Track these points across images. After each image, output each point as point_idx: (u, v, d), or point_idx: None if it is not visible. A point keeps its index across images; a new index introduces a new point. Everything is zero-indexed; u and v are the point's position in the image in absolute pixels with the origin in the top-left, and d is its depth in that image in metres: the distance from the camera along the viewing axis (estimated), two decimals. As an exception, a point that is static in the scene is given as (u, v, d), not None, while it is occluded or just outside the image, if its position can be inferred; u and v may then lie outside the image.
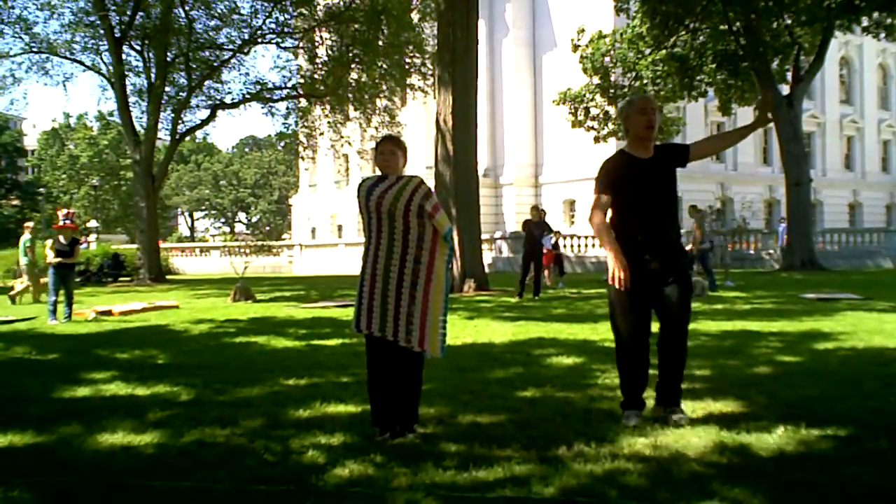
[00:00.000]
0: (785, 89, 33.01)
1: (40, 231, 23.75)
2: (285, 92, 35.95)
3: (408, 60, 33.32)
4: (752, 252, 36.46)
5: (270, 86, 36.06)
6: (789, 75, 33.46)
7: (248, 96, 35.50)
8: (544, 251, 21.24)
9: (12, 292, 21.10)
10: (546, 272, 22.37)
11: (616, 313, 5.49)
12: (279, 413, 5.92)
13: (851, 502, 3.77)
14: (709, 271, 20.24)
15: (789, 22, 31.49)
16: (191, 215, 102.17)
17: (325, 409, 6.02)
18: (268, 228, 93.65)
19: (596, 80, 35.27)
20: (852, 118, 62.90)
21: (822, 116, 60.57)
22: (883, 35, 30.66)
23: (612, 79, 35.07)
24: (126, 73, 33.91)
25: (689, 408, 5.79)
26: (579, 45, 35.69)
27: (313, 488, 4.13)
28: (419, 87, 34.58)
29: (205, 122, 36.48)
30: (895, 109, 65.82)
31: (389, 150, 5.22)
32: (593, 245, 39.04)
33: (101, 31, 32.79)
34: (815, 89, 57.01)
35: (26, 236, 21.35)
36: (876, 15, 29.34)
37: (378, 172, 5.27)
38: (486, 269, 22.95)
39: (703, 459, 4.50)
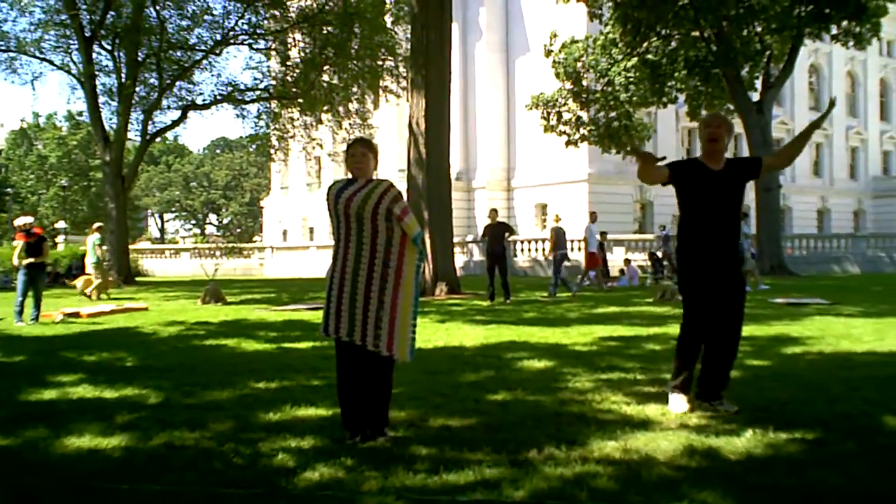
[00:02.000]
0: (755, 96, 33.36)
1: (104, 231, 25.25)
2: (257, 93, 35.78)
3: (380, 63, 33.27)
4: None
5: (242, 87, 35.90)
6: (759, 82, 33.83)
7: (219, 97, 35.31)
8: (589, 254, 21.60)
9: (88, 290, 21.90)
10: (594, 273, 22.67)
11: (691, 304, 5.78)
12: (249, 416, 5.88)
13: (818, 505, 3.80)
14: (559, 278, 20.55)
15: (759, 29, 31.86)
16: (161, 217, 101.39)
17: (295, 412, 5.99)
18: (239, 230, 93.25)
19: (568, 84, 35.48)
20: (821, 125, 63.56)
21: (792, 123, 61.24)
22: (851, 43, 31.06)
23: (585, 84, 35.29)
24: (96, 72, 33.64)
25: (659, 411, 5.83)
26: (552, 50, 35.89)
27: (283, 492, 4.11)
28: (391, 90, 34.56)
29: (176, 123, 36.24)
30: (863, 117, 66.72)
31: (361, 152, 5.19)
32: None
33: (72, 30, 32.50)
34: (785, 96, 57.70)
35: (95, 236, 22.34)
36: (845, 24, 29.73)
37: (349, 175, 5.24)
38: (458, 273, 22.97)
39: (672, 463, 4.52)
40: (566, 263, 21.38)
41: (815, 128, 6.04)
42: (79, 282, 22.73)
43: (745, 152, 43.41)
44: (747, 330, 11.26)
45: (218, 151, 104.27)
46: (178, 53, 34.48)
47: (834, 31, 30.42)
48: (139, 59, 33.11)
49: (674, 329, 11.45)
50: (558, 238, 20.86)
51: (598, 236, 23.38)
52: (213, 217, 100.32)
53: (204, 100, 36.03)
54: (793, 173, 60.89)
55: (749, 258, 22.24)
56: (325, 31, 32.54)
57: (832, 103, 6.29)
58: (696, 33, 31.74)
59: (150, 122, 34.69)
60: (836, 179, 64.76)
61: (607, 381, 7.12)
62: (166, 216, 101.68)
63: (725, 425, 5.36)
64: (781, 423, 5.37)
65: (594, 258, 22.91)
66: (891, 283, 25.11)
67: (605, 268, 24.54)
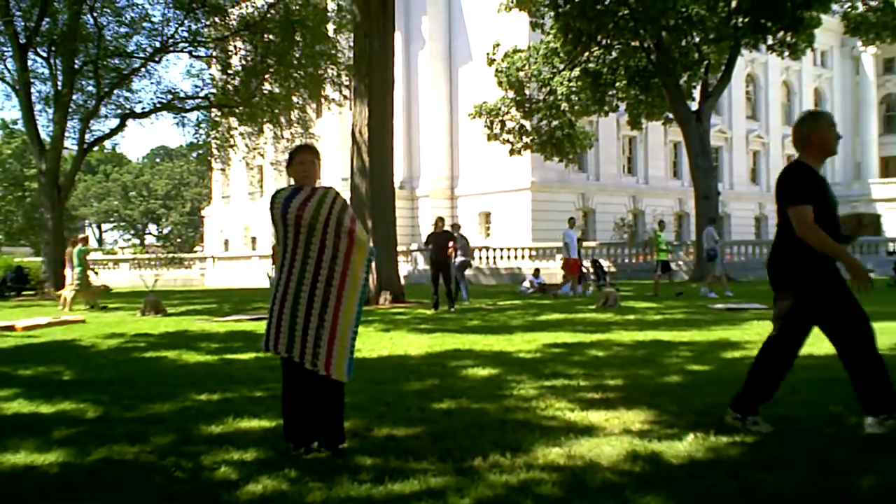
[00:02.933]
0: (694, 105, 33.96)
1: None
2: (197, 102, 35.32)
3: (322, 72, 33.13)
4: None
5: (182, 95, 35.41)
6: (698, 91, 34.47)
7: (158, 106, 34.75)
8: (570, 260, 21.66)
9: (63, 302, 21.96)
10: (578, 281, 22.68)
11: (853, 320, 5.40)
12: (191, 429, 5.79)
13: (758, 507, 3.86)
14: (458, 285, 20.83)
15: (698, 40, 32.46)
16: (99, 227, 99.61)
17: (237, 424, 5.91)
18: (179, 240, 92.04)
19: (511, 93, 35.79)
20: (758, 133, 65.05)
21: (730, 132, 62.46)
22: (787, 53, 31.77)
23: (528, 93, 35.62)
24: (32, 80, 32.89)
25: (603, 417, 5.87)
26: (495, 59, 36.16)
27: (226, 505, 4.05)
28: (334, 99, 34.44)
29: (114, 132, 35.56)
30: (798, 126, 68.16)
31: (309, 160, 5.10)
32: (507, 257, 39.42)
33: (6, 37, 31.78)
34: (723, 105, 58.80)
35: (80, 247, 22.83)
36: (780, 34, 30.41)
37: (293, 183, 5.16)
38: (402, 282, 22.94)
39: (616, 468, 4.55)
40: (468, 271, 21.72)
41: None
42: (65, 291, 22.70)
43: (684, 160, 44.15)
44: (687, 335, 11.47)
45: (158, 160, 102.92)
46: (116, 61, 33.86)
47: (770, 41, 31.09)
48: (76, 66, 32.46)
49: (616, 335, 11.59)
50: (462, 246, 21.24)
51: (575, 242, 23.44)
52: (152, 227, 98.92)
53: (143, 108, 35.45)
54: (731, 181, 62.08)
55: (717, 261, 22.87)
56: (266, 39, 32.30)
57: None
58: (636, 43, 32.22)
59: (87, 131, 33.99)
60: (772, 186, 65.64)
61: (551, 388, 7.16)
62: (105, 226, 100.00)
63: (667, 430, 5.42)
64: (722, 426, 5.44)
65: (575, 264, 22.91)
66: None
67: (581, 274, 24.58)
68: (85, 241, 23.97)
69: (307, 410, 4.97)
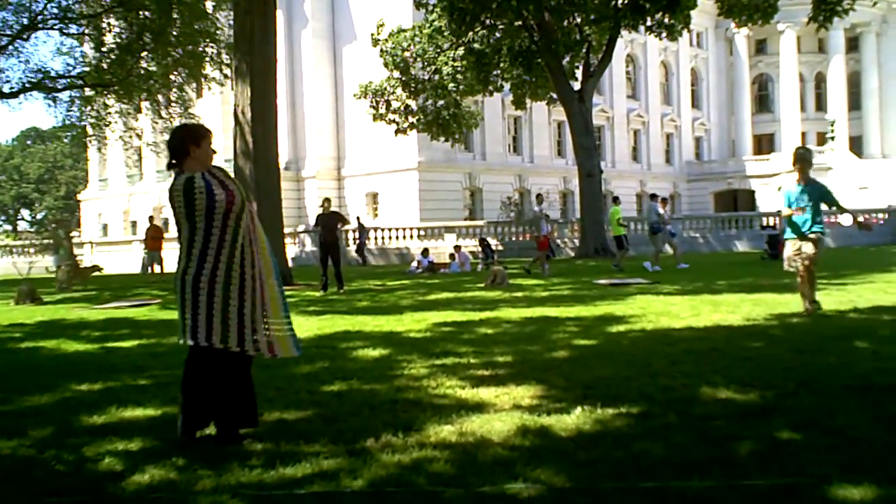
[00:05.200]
0: (576, 85, 34.56)
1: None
2: (69, 81, 33.88)
3: (202, 50, 32.23)
4: (548, 241, 37.83)
5: (53, 74, 33.91)
6: (580, 72, 35.09)
7: (28, 85, 33.21)
8: (540, 238, 21.41)
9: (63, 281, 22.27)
10: (546, 258, 22.43)
11: None
12: (72, 420, 5.59)
13: (644, 475, 3.97)
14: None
15: (579, 20, 33.02)
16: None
17: (121, 413, 5.73)
18: (54, 226, 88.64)
19: (396, 73, 35.69)
20: (638, 112, 66.74)
21: (611, 111, 63.86)
22: (664, 34, 32.61)
23: (413, 73, 35.57)
24: None
25: (493, 393, 5.93)
26: (379, 39, 35.95)
27: (111, 497, 3.94)
28: (214, 78, 33.60)
29: (-20, 113, 33.91)
30: (676, 105, 70.39)
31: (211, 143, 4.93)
32: (395, 237, 39.41)
33: None
34: (604, 85, 60.05)
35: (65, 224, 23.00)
36: (658, 16, 31.18)
37: (193, 166, 4.80)
38: (290, 264, 22.67)
39: (506, 443, 4.62)
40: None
41: None
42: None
43: (568, 139, 44.91)
44: (574, 311, 11.70)
45: (29, 143, 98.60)
46: (-19, 38, 32.23)
47: (648, 22, 31.83)
48: (-64, 44, 30.77)
49: (504, 313, 11.74)
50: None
51: (545, 221, 23.25)
52: (25, 212, 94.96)
53: (11, 88, 33.75)
54: (613, 159, 63.50)
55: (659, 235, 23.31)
56: (142, 17, 31.19)
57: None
58: (520, 23, 32.52)
59: (-50, 112, 32.33)
60: (653, 164, 67.99)
61: (442, 367, 7.19)
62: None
63: (556, 404, 5.52)
64: (608, 398, 5.59)
65: (545, 241, 22.77)
66: (703, 262, 26.65)
67: (550, 252, 24.33)
68: (63, 222, 23.53)
69: (245, 399, 4.89)
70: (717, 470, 4.00)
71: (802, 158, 10.28)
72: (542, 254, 22.39)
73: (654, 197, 25.02)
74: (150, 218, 34.40)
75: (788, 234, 10.42)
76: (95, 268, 24.70)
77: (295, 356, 4.96)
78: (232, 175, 4.95)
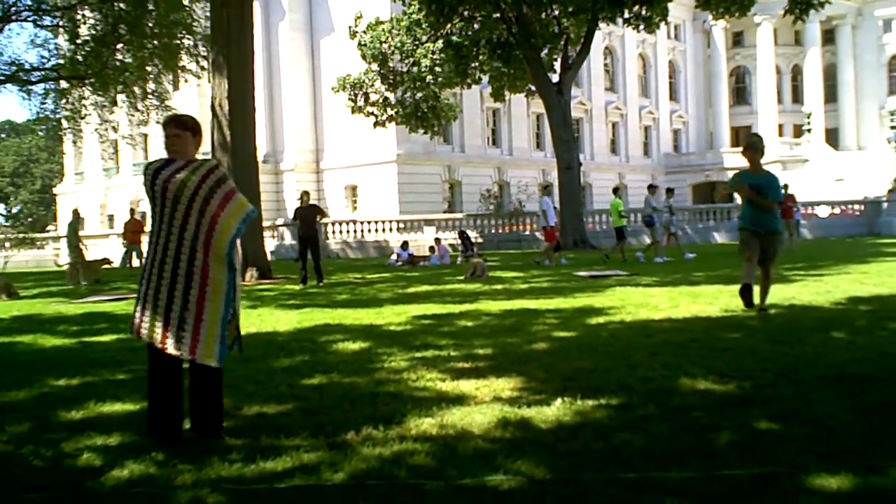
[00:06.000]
0: (555, 77, 34.58)
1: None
2: (44, 73, 33.50)
3: (178, 42, 31.96)
4: (527, 233, 37.97)
5: (27, 66, 33.52)
6: (558, 64, 35.10)
7: (1, 78, 32.85)
8: (547, 228, 21.22)
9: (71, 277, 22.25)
10: (554, 250, 22.23)
11: None
12: (49, 416, 5.54)
13: (624, 465, 3.99)
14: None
15: (557, 13, 33.01)
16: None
17: (100, 408, 5.69)
18: (30, 220, 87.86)
19: (375, 66, 35.58)
20: (616, 105, 66.94)
21: (589, 103, 64.00)
22: (642, 27, 32.68)
23: (391, 65, 35.48)
24: None
25: (473, 386, 5.94)
26: (357, 32, 35.83)
27: (90, 492, 3.91)
28: (191, 70, 33.35)
29: (-47, 106, 33.52)
30: (654, 97, 70.66)
31: (174, 133, 4.81)
32: (374, 230, 39.34)
33: None
34: (583, 77, 60.19)
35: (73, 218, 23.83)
36: (636, 8, 31.25)
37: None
38: (269, 257, 22.58)
39: (487, 435, 4.62)
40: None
41: None
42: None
43: (547, 131, 44.97)
44: (553, 303, 11.73)
45: (3, 136, 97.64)
46: (-46, 30, 31.81)
47: (626, 14, 31.89)
48: None
49: (484, 305, 11.75)
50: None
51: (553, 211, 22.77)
52: (0, 206, 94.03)
53: (-16, 81, 33.42)
54: (591, 151, 63.66)
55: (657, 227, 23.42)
56: (117, 8, 30.88)
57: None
58: (498, 15, 32.50)
59: (-77, 105, 31.91)
60: (631, 157, 68.25)
61: (422, 360, 7.19)
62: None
63: (536, 396, 5.53)
64: (588, 390, 5.60)
65: (553, 232, 22.44)
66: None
67: (558, 243, 23.90)
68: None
69: (174, 398, 4.73)
70: (696, 460, 4.02)
71: (753, 147, 9.48)
72: (551, 245, 22.28)
73: (651, 188, 24.81)
74: (132, 211, 34.12)
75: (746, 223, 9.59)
76: (105, 261, 24.42)
77: (214, 365, 4.66)
78: (220, 167, 4.87)
